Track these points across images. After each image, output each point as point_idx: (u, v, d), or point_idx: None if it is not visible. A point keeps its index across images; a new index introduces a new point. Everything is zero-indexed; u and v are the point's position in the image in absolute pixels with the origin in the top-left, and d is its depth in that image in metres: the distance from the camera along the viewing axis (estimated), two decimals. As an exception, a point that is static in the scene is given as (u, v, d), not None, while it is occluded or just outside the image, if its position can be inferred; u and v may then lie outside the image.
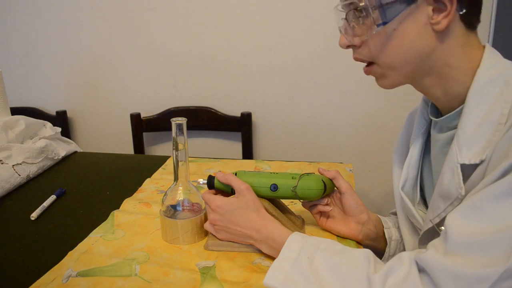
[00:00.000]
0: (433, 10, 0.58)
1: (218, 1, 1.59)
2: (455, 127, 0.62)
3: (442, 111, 0.68)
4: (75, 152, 1.33)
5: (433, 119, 0.69)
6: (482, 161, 0.56)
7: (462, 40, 0.61)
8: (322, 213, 0.80)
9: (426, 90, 0.67)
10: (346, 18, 0.65)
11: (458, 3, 0.58)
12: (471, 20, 0.61)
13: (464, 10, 0.59)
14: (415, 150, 0.74)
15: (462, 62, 0.61)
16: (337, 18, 0.66)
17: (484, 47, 0.63)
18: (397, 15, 0.59)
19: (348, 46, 0.66)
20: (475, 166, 0.58)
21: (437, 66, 0.62)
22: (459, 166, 0.59)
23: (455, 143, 0.60)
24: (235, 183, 0.73)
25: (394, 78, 0.65)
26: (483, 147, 0.57)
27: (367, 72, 0.68)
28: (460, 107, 0.62)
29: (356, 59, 0.68)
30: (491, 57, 0.61)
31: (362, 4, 0.60)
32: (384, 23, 0.60)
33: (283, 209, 0.80)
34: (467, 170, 0.59)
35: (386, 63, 0.64)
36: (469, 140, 0.58)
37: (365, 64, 0.67)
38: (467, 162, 0.58)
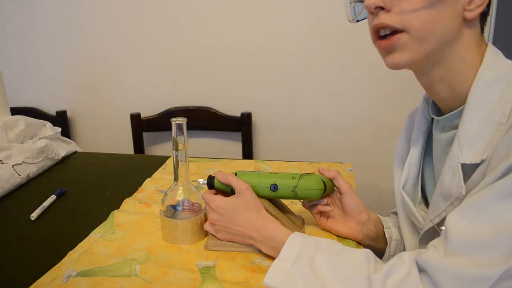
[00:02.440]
0: None
1: (218, 1, 1.59)
2: (456, 127, 0.62)
3: (443, 110, 0.68)
4: (75, 152, 1.33)
5: (435, 118, 0.69)
6: (482, 161, 0.56)
7: (477, 37, 0.62)
8: (322, 213, 0.80)
9: (431, 84, 0.65)
10: None
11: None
12: (485, 21, 0.63)
13: (486, 10, 0.61)
14: (416, 150, 0.74)
15: (472, 59, 0.62)
16: None
17: (486, 45, 0.63)
18: None
19: (376, 7, 0.59)
20: (476, 166, 0.58)
21: (451, 56, 0.61)
22: (460, 166, 0.59)
23: (456, 143, 0.60)
24: (235, 183, 0.73)
25: (412, 53, 0.60)
26: (484, 147, 0.57)
27: (387, 43, 0.60)
28: (462, 106, 0.62)
29: (379, 25, 0.60)
30: (493, 57, 0.61)
31: None
32: None
33: (283, 209, 0.80)
34: (468, 170, 0.59)
35: (419, 31, 0.58)
36: (470, 139, 0.58)
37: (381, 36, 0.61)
38: (468, 162, 0.58)
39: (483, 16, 0.62)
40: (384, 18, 0.59)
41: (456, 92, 0.63)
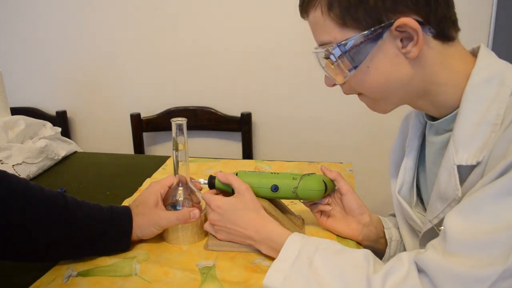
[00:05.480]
0: (401, 40, 0.58)
1: (218, 1, 1.59)
2: (451, 129, 0.62)
3: (437, 116, 0.68)
4: (75, 152, 1.33)
5: (429, 122, 0.69)
6: (478, 163, 0.56)
7: (440, 58, 0.60)
8: (322, 212, 0.80)
9: (421, 108, 0.68)
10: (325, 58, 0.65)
11: (425, 28, 0.57)
12: (446, 34, 0.60)
13: (433, 32, 0.58)
14: (410, 154, 0.74)
15: (446, 77, 0.61)
16: (319, 59, 0.66)
17: (477, 48, 0.63)
18: (366, 56, 0.59)
19: (333, 85, 0.68)
20: (472, 168, 0.58)
21: (422, 87, 0.62)
22: (455, 167, 0.59)
23: (451, 144, 0.60)
24: (235, 183, 0.73)
25: (384, 105, 0.67)
26: (480, 148, 0.56)
27: (361, 100, 0.69)
28: (456, 110, 0.61)
29: (346, 93, 0.69)
30: (485, 58, 0.60)
31: (329, 54, 0.61)
32: (355, 67, 0.61)
33: (283, 209, 0.80)
34: (464, 172, 0.59)
35: (371, 96, 0.65)
36: (465, 141, 0.58)
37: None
38: (463, 163, 0.58)
39: (442, 32, 0.59)
40: (343, 89, 0.68)
41: (444, 106, 0.63)
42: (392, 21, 0.56)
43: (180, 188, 0.78)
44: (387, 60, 0.60)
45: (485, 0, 1.41)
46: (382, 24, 0.57)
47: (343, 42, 0.59)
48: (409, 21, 0.55)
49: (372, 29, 0.57)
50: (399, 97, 0.64)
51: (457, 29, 0.61)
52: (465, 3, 1.41)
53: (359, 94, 0.68)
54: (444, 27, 0.59)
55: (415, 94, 0.64)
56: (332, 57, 0.61)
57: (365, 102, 0.68)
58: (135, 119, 1.73)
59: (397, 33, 0.57)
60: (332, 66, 0.63)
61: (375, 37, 0.58)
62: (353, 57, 0.60)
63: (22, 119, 1.21)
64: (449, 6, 0.60)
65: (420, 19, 0.56)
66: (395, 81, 0.61)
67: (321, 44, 0.63)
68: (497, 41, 1.42)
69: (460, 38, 0.63)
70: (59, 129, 1.31)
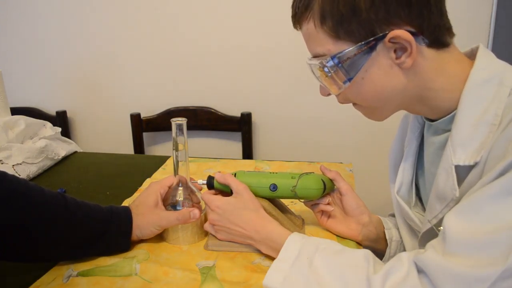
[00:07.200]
0: (395, 51, 0.58)
1: (218, 1, 1.59)
2: (449, 129, 0.62)
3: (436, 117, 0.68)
4: (75, 152, 1.33)
5: (429, 122, 0.69)
6: (476, 163, 0.56)
7: (435, 65, 0.60)
8: (323, 212, 0.80)
9: (418, 112, 0.68)
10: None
11: (419, 39, 0.57)
12: (441, 41, 0.59)
13: (427, 41, 0.57)
14: (409, 154, 0.74)
15: (442, 83, 0.61)
16: (313, 69, 0.66)
17: (476, 49, 0.63)
18: (360, 68, 0.59)
19: (328, 94, 0.68)
20: (470, 168, 0.58)
21: (418, 94, 0.62)
22: (453, 167, 0.59)
23: (449, 145, 0.60)
24: (233, 183, 0.73)
25: (380, 113, 0.67)
26: (477, 149, 0.56)
27: (356, 109, 0.69)
28: (455, 111, 0.61)
29: (341, 103, 0.69)
30: (484, 59, 0.60)
31: (323, 66, 0.61)
32: (350, 79, 0.61)
33: (283, 209, 0.80)
34: (462, 172, 0.59)
35: (367, 105, 0.65)
36: (463, 141, 0.58)
37: None
38: (461, 164, 0.58)
39: (436, 40, 0.58)
40: (338, 99, 0.68)
41: (441, 110, 0.63)
42: (386, 32, 0.56)
43: (180, 188, 0.78)
44: (382, 71, 0.60)
45: (485, 0, 1.41)
46: (376, 36, 0.57)
47: (337, 55, 0.59)
48: (402, 33, 0.55)
49: (366, 41, 0.57)
50: (394, 105, 0.64)
51: (452, 35, 0.61)
52: (465, 3, 1.41)
53: (354, 104, 0.68)
54: (438, 35, 0.59)
55: (412, 101, 0.64)
56: (326, 69, 0.61)
57: (361, 111, 0.68)
58: (135, 119, 1.73)
59: (390, 45, 0.57)
60: (326, 77, 0.63)
61: (369, 49, 0.58)
62: (347, 69, 0.60)
63: (22, 119, 1.21)
64: (442, 14, 0.59)
65: (413, 30, 0.56)
66: (390, 91, 0.61)
67: (315, 56, 0.63)
68: (497, 41, 1.42)
69: (460, 38, 0.63)
70: (59, 129, 1.31)
